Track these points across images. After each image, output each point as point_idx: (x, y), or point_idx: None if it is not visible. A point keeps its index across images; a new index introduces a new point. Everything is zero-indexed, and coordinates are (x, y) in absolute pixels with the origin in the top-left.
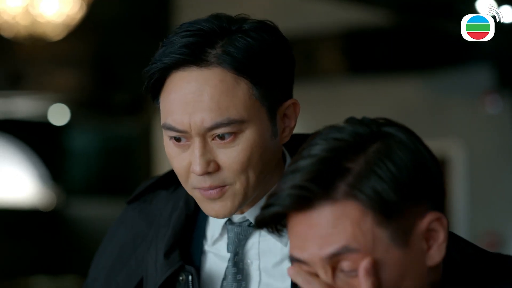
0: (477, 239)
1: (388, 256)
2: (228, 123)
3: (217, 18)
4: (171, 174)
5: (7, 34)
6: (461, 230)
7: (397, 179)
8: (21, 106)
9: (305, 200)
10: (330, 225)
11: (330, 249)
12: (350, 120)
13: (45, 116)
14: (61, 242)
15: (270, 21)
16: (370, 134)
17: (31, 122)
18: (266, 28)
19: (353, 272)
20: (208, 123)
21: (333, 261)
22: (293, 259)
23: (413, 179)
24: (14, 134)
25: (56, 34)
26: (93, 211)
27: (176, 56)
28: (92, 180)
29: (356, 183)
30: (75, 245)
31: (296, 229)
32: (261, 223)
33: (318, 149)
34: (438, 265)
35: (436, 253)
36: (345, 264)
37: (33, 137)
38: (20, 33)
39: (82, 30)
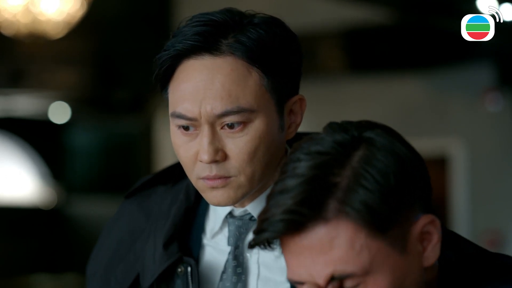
0: (478, 237)
1: (390, 263)
2: (238, 111)
3: (229, 11)
4: (169, 170)
5: (8, 32)
6: (462, 228)
7: (385, 188)
8: (21, 104)
9: (298, 224)
10: (325, 248)
11: (327, 271)
12: (329, 128)
13: (46, 114)
14: (62, 240)
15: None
16: (351, 141)
17: (31, 120)
18: (276, 23)
19: (357, 286)
20: (218, 110)
21: (333, 281)
22: (293, 282)
23: (400, 184)
24: (15, 132)
25: (57, 32)
26: (94, 209)
27: (190, 42)
28: (93, 178)
29: (346, 199)
30: (76, 243)
31: (290, 251)
32: (254, 246)
33: (303, 166)
34: (433, 265)
35: (431, 254)
36: (347, 283)
37: (34, 135)
38: (20, 31)
39: (83, 28)
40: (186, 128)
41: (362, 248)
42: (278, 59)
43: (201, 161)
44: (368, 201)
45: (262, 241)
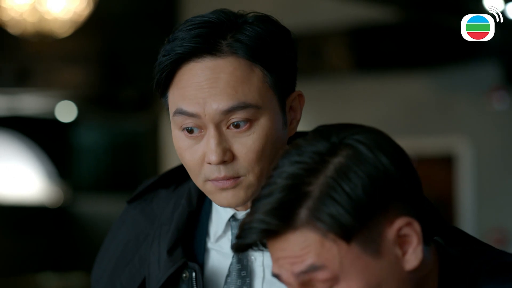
0: (484, 236)
1: (361, 265)
2: (244, 106)
3: (222, 12)
4: (171, 173)
5: (14, 31)
6: (468, 226)
7: (353, 200)
8: (28, 103)
9: (269, 232)
10: (297, 250)
11: (299, 268)
12: (313, 134)
13: (53, 112)
14: (68, 239)
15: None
16: (330, 149)
17: (38, 119)
18: (269, 20)
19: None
20: (224, 106)
21: (305, 279)
22: (275, 277)
23: (371, 195)
24: (22, 131)
25: (63, 31)
26: (101, 207)
27: (191, 45)
28: (100, 176)
29: (315, 209)
30: (82, 242)
31: (271, 252)
32: (236, 251)
33: (281, 174)
34: (419, 266)
35: (412, 257)
36: (318, 278)
37: (40, 134)
38: (27, 30)
39: (89, 26)
40: (190, 130)
41: (332, 246)
42: (277, 55)
43: (209, 163)
44: (335, 214)
45: (241, 247)
